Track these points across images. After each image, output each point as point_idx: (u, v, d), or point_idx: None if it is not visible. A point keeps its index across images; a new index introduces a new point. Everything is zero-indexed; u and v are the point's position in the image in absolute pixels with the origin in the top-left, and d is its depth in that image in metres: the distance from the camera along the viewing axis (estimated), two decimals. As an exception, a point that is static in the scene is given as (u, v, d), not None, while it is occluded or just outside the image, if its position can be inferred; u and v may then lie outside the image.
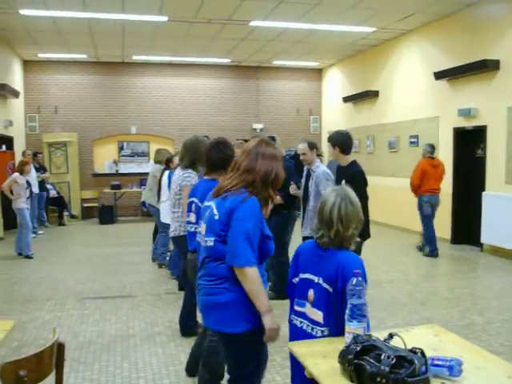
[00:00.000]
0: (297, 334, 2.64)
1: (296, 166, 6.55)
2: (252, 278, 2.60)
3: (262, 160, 2.74)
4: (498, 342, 5.01)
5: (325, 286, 2.52)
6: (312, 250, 2.65)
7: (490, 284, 7.44)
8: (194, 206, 3.88)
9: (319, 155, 5.96)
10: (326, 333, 2.52)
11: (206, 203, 2.88)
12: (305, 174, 5.87)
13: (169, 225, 6.51)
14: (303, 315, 2.62)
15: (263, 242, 2.71)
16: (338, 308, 2.48)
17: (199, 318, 3.35)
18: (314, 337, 2.54)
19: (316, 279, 2.56)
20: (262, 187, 2.72)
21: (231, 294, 2.68)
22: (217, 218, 2.71)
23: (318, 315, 2.54)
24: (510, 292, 6.82)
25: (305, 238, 5.67)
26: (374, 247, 9.92)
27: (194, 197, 3.89)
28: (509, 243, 8.63)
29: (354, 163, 5.20)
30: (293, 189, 5.96)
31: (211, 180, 3.66)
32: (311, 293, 2.57)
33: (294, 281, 2.70)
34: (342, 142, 5.16)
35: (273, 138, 6.10)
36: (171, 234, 5.17)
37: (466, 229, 9.95)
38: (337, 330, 2.49)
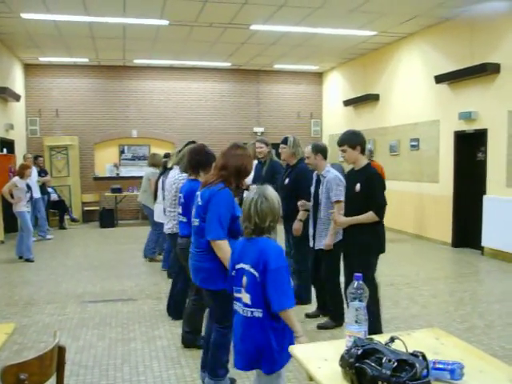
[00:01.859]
0: (236, 317, 3.03)
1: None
2: (222, 249, 3.50)
3: (233, 159, 3.67)
4: (499, 345, 4.99)
5: (252, 271, 2.87)
6: (242, 244, 3.04)
7: (491, 287, 7.44)
8: (181, 200, 4.60)
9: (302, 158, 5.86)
10: (255, 314, 2.86)
11: (197, 193, 3.80)
12: (314, 180, 5.57)
13: (161, 224, 7.51)
14: (240, 300, 2.97)
15: (234, 222, 3.54)
16: (263, 289, 2.83)
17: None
18: (245, 317, 2.90)
19: (247, 267, 2.91)
20: (235, 179, 3.67)
21: (213, 262, 3.60)
22: (200, 203, 3.68)
23: (247, 298, 2.89)
24: (510, 295, 6.81)
25: (318, 252, 5.49)
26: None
27: (181, 193, 4.69)
28: (510, 247, 8.63)
29: (369, 165, 4.73)
30: (302, 205, 5.70)
31: (193, 180, 4.54)
32: (244, 279, 2.92)
33: (232, 274, 3.07)
34: (359, 140, 4.66)
35: (285, 140, 6.18)
36: (168, 231, 5.49)
37: (467, 232, 9.95)
38: (266, 310, 2.84)
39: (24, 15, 9.66)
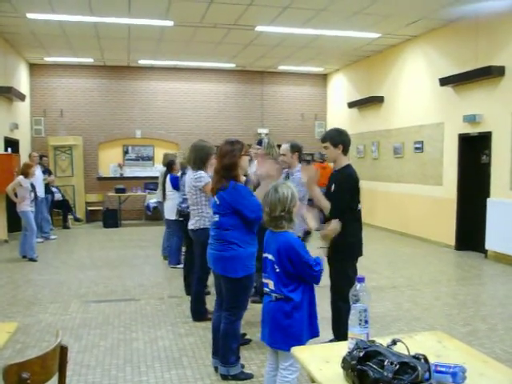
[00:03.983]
0: (264, 299, 3.39)
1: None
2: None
3: (228, 158, 4.01)
4: (502, 349, 4.98)
5: (273, 260, 3.22)
6: (268, 235, 3.36)
7: (493, 291, 7.42)
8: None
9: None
10: (278, 297, 3.21)
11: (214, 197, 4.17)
12: (283, 177, 5.44)
13: (171, 221, 8.24)
14: (266, 285, 3.32)
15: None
16: (282, 277, 3.18)
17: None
18: (270, 301, 3.28)
19: (270, 256, 3.27)
20: (235, 172, 4.02)
21: (232, 252, 3.96)
22: (218, 203, 4.05)
23: (271, 284, 3.25)
24: (514, 299, 6.80)
25: None
26: (377, 252, 9.93)
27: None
28: (513, 250, 8.62)
29: (349, 166, 4.60)
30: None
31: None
32: (269, 267, 3.28)
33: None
34: (344, 140, 4.58)
35: (260, 142, 6.43)
36: (191, 227, 5.58)
37: (471, 235, 9.91)
38: (286, 295, 3.18)
39: (29, 15, 9.69)
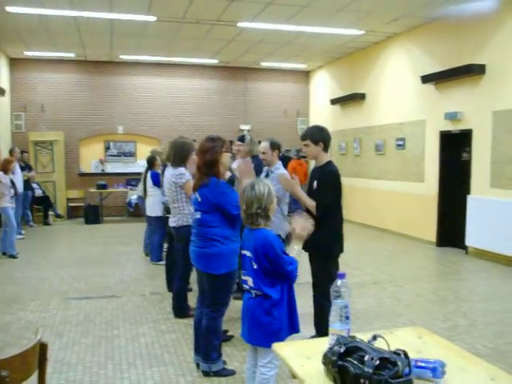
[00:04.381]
0: (244, 296, 3.38)
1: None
2: None
3: (209, 154, 4.00)
4: (482, 344, 5.04)
5: (251, 257, 3.21)
6: (246, 232, 3.35)
7: (474, 287, 7.51)
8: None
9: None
10: (257, 294, 3.20)
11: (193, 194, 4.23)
12: (263, 175, 5.50)
13: (153, 217, 8.27)
14: (246, 282, 3.30)
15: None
16: (260, 273, 3.16)
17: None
18: (249, 297, 3.27)
19: (248, 253, 3.26)
20: (217, 168, 4.00)
21: (215, 249, 3.96)
22: (199, 200, 4.05)
23: (250, 281, 3.24)
24: (493, 295, 6.88)
25: None
26: (359, 249, 9.99)
27: None
28: (493, 246, 8.71)
29: (330, 163, 4.61)
30: None
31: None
32: (248, 264, 3.27)
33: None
34: (324, 137, 4.60)
35: (242, 138, 6.39)
36: (173, 225, 5.55)
37: (452, 231, 10.00)
38: (264, 292, 3.16)
39: (9, 8, 9.53)
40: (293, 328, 3.27)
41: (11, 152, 12.03)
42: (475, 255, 9.19)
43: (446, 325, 5.61)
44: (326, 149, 4.59)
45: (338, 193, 4.55)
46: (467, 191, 9.42)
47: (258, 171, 5.09)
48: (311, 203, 4.45)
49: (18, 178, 11.03)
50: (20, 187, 11.09)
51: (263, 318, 3.19)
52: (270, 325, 3.18)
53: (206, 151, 4.04)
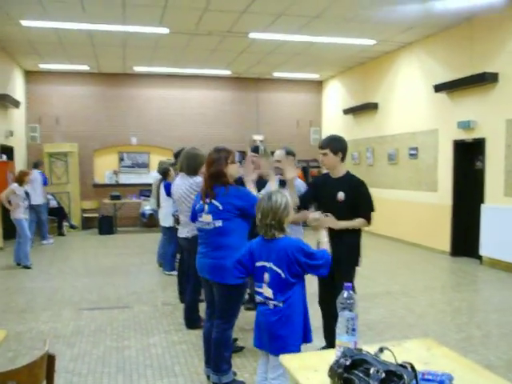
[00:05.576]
0: (259, 308, 3.31)
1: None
2: None
3: (214, 166, 4.01)
4: (496, 355, 4.97)
5: (274, 268, 3.16)
6: (260, 243, 3.29)
7: (488, 297, 7.42)
8: None
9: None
10: (277, 305, 3.17)
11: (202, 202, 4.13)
12: (277, 184, 5.23)
13: (166, 228, 8.23)
14: (261, 294, 3.25)
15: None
16: (285, 283, 3.14)
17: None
18: (269, 309, 3.21)
19: (268, 265, 3.20)
20: (223, 179, 4.00)
21: (228, 259, 3.74)
22: (221, 208, 3.96)
23: (269, 292, 3.19)
24: (508, 305, 6.80)
25: None
26: (372, 259, 9.92)
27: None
28: (508, 256, 8.62)
29: (350, 173, 4.61)
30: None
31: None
32: (266, 276, 3.20)
33: (241, 264, 3.39)
34: (343, 147, 4.55)
35: (256, 148, 6.27)
36: (186, 235, 5.54)
37: (466, 241, 9.92)
38: (286, 302, 3.15)
39: (24, 22, 9.69)
40: (306, 337, 3.25)
41: (37, 164, 12.27)
42: (490, 265, 9.09)
43: (459, 336, 5.55)
44: (343, 159, 4.57)
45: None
46: (481, 200, 9.34)
47: (261, 184, 5.05)
48: (358, 223, 4.49)
49: (40, 189, 11.72)
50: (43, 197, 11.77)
51: (289, 326, 3.16)
52: (291, 335, 3.17)
53: (212, 163, 4.06)
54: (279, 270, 3.14)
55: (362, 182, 4.58)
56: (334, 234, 4.04)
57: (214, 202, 4.03)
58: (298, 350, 3.14)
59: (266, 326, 3.25)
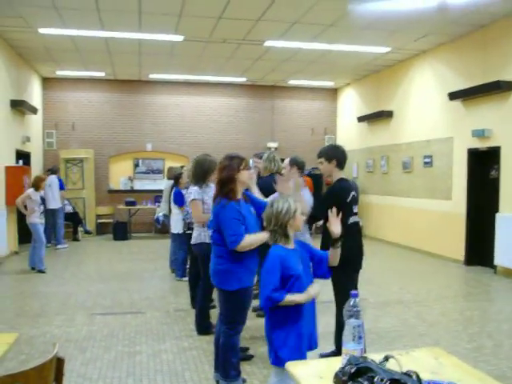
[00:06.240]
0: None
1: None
2: (247, 245, 3.89)
3: (225, 172, 4.03)
4: (508, 366, 4.92)
5: None
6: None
7: (501, 307, 7.36)
8: None
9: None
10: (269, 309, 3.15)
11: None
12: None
13: (177, 234, 8.32)
14: None
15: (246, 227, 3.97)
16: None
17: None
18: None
19: None
20: (231, 186, 3.99)
21: (225, 265, 3.98)
22: (211, 218, 4.13)
23: None
24: (522, 315, 6.73)
25: None
26: (385, 267, 9.90)
27: None
28: (522, 266, 8.54)
29: (341, 180, 4.66)
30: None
31: None
32: None
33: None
34: (338, 155, 4.66)
35: (261, 156, 6.51)
36: (192, 241, 5.62)
37: (480, 250, 9.85)
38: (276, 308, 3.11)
39: (41, 30, 9.84)
40: (311, 343, 3.24)
41: (53, 170, 12.54)
42: (504, 274, 9.01)
43: (470, 345, 5.50)
44: (339, 166, 4.63)
45: (346, 209, 4.40)
46: (496, 209, 9.27)
47: (266, 190, 5.07)
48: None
49: (57, 193, 12.24)
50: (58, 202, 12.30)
51: (269, 333, 3.20)
52: (275, 343, 3.17)
53: (223, 169, 4.08)
54: None
55: (335, 187, 4.65)
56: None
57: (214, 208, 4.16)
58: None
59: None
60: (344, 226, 4.46)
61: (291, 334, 3.13)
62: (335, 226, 3.33)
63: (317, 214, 4.55)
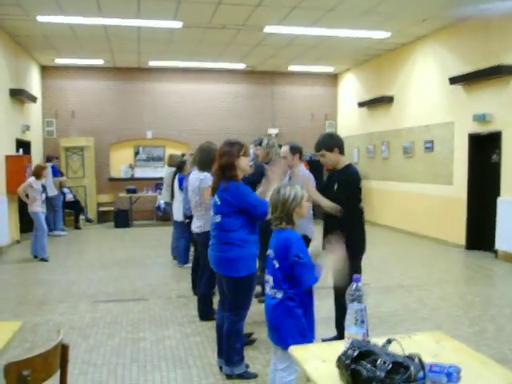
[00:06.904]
0: (266, 297, 3.37)
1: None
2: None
3: (225, 158, 4.02)
4: (510, 348, 4.95)
5: (272, 256, 3.24)
6: (273, 233, 3.34)
7: (503, 291, 7.38)
8: None
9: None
10: (277, 295, 3.20)
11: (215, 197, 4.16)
12: (286, 179, 5.53)
13: (179, 222, 8.22)
14: (267, 282, 3.33)
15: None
16: (281, 272, 3.17)
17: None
18: (270, 297, 3.27)
19: (270, 252, 3.28)
20: (233, 172, 4.00)
21: (234, 252, 3.97)
22: (219, 203, 4.04)
23: (271, 280, 3.26)
24: (523, 299, 6.76)
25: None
26: (387, 252, 9.92)
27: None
28: (524, 250, 8.56)
29: (350, 165, 4.65)
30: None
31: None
32: (268, 264, 3.30)
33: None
34: (337, 142, 4.62)
35: (260, 141, 6.48)
36: (196, 230, 5.61)
37: (481, 235, 9.87)
38: (284, 292, 3.17)
39: (40, 18, 9.78)
40: (306, 336, 3.21)
41: (48, 158, 12.56)
42: (505, 259, 9.03)
43: (472, 329, 5.53)
44: (341, 152, 4.61)
45: (358, 195, 4.56)
46: (497, 193, 9.27)
47: (259, 175, 5.06)
48: (328, 204, 4.45)
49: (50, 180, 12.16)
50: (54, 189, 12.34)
51: (284, 317, 3.18)
52: (293, 325, 3.15)
53: (223, 155, 4.06)
54: (275, 260, 3.21)
55: (354, 174, 4.58)
56: (335, 225, 4.30)
57: (215, 196, 4.12)
58: (306, 342, 3.13)
59: (266, 314, 3.36)
60: (355, 211, 4.52)
61: (304, 318, 3.19)
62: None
63: (351, 207, 4.44)
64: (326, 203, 4.46)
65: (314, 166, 11.27)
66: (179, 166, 8.61)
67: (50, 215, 12.29)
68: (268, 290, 3.31)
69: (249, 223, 4.01)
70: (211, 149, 5.55)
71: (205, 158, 5.48)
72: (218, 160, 4.09)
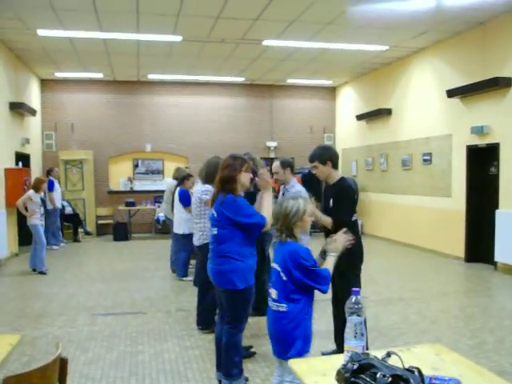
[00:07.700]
0: (267, 310, 3.39)
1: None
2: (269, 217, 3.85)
3: (227, 171, 4.03)
4: (509, 361, 4.93)
5: (279, 270, 3.24)
6: (276, 246, 3.38)
7: (502, 303, 7.37)
8: None
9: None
10: (280, 308, 3.22)
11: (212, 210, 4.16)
12: (281, 194, 5.58)
13: (179, 235, 8.26)
14: (270, 295, 3.34)
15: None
16: (288, 285, 3.19)
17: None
18: (273, 310, 3.28)
19: (276, 266, 3.29)
20: (233, 185, 3.99)
21: (231, 265, 3.95)
22: (216, 216, 4.03)
23: (274, 293, 3.27)
24: (522, 311, 6.74)
25: None
26: (386, 265, 9.91)
27: None
28: (523, 262, 8.56)
29: (343, 179, 4.62)
30: None
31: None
32: (273, 277, 3.32)
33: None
34: (331, 155, 4.59)
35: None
36: (196, 243, 5.65)
37: (480, 247, 9.87)
38: (289, 306, 3.20)
39: (40, 32, 9.84)
40: (304, 348, 3.25)
41: (52, 171, 12.62)
42: (504, 271, 9.02)
43: (472, 342, 5.52)
44: (334, 166, 4.59)
45: (353, 208, 4.58)
46: (495, 206, 9.28)
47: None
48: (326, 220, 4.44)
49: (58, 195, 12.46)
50: (58, 202, 12.48)
51: (287, 331, 3.19)
52: (295, 339, 3.17)
53: (225, 168, 4.07)
54: (282, 273, 3.21)
55: (344, 188, 4.55)
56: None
57: (212, 209, 4.13)
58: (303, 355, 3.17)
59: (268, 327, 3.37)
60: (350, 223, 4.52)
61: (309, 327, 3.26)
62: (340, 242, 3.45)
63: (346, 220, 4.37)
64: (326, 220, 4.46)
65: (312, 180, 11.25)
66: (183, 179, 8.62)
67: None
68: (271, 302, 3.32)
69: (245, 236, 3.99)
70: (218, 163, 5.52)
71: (210, 172, 5.46)
72: (220, 172, 4.10)
